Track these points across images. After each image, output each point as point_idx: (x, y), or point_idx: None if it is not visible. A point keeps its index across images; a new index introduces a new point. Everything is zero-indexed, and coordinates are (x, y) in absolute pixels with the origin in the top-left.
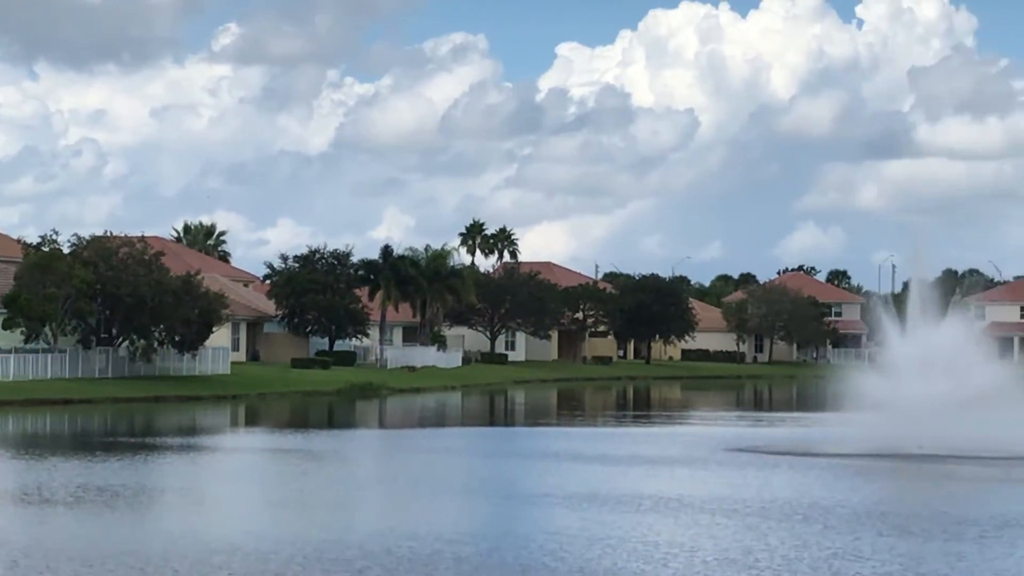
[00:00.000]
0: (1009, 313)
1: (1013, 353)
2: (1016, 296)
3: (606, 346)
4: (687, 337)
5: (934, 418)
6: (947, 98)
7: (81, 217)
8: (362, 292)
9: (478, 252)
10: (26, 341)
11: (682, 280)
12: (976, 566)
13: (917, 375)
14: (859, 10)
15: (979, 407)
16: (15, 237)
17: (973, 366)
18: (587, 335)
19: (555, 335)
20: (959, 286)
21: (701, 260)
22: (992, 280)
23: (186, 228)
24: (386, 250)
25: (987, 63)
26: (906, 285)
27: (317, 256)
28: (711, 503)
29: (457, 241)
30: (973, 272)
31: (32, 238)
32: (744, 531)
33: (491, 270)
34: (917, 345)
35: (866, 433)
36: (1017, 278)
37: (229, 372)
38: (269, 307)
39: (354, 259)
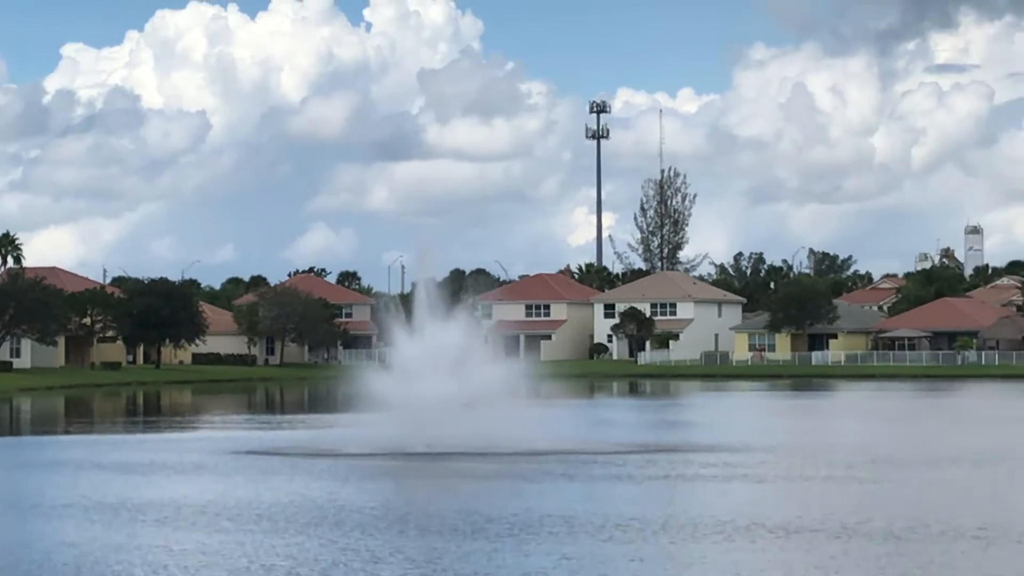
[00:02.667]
0: (515, 312)
1: (519, 351)
2: (521, 295)
3: (115, 351)
4: (197, 341)
5: (441, 416)
6: (456, 100)
7: None
8: None
9: None
10: None
11: (192, 283)
12: (509, 562)
13: (425, 375)
14: (367, 13)
15: (484, 404)
16: None
17: (478, 365)
18: (95, 341)
19: (62, 341)
20: (466, 286)
21: (212, 263)
22: (498, 279)
23: None
24: None
25: (494, 66)
26: (415, 286)
27: None
28: (237, 509)
29: None
30: (480, 272)
31: None
32: (275, 536)
33: None
34: (424, 345)
35: (377, 433)
36: (523, 277)
37: None
38: None
39: None
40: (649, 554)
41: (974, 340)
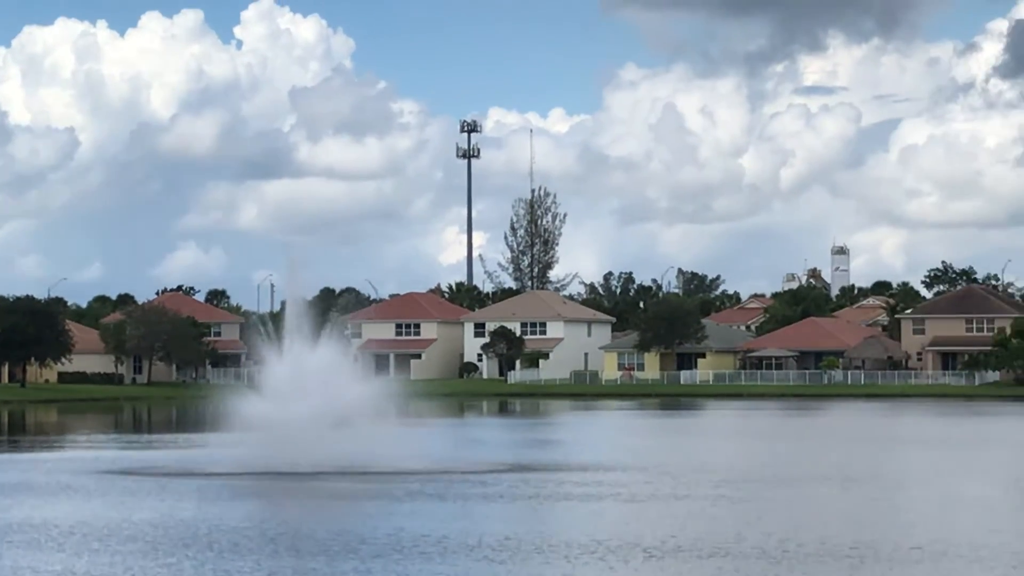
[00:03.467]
0: (384, 331)
1: (389, 369)
2: (391, 314)
3: None
4: (64, 359)
5: (311, 436)
6: (327, 119)
7: None
8: None
9: None
10: None
11: (59, 301)
12: None
13: (294, 394)
14: (238, 31)
15: (355, 424)
16: None
17: (348, 384)
18: None
19: None
20: (336, 305)
21: (79, 281)
22: (369, 298)
23: None
24: None
25: (366, 84)
26: (285, 304)
27: None
28: (107, 530)
29: None
30: (350, 290)
31: None
32: (145, 558)
33: None
34: (294, 364)
35: (246, 453)
36: (393, 296)
37: None
38: None
39: None
40: (523, 575)
41: (840, 359)
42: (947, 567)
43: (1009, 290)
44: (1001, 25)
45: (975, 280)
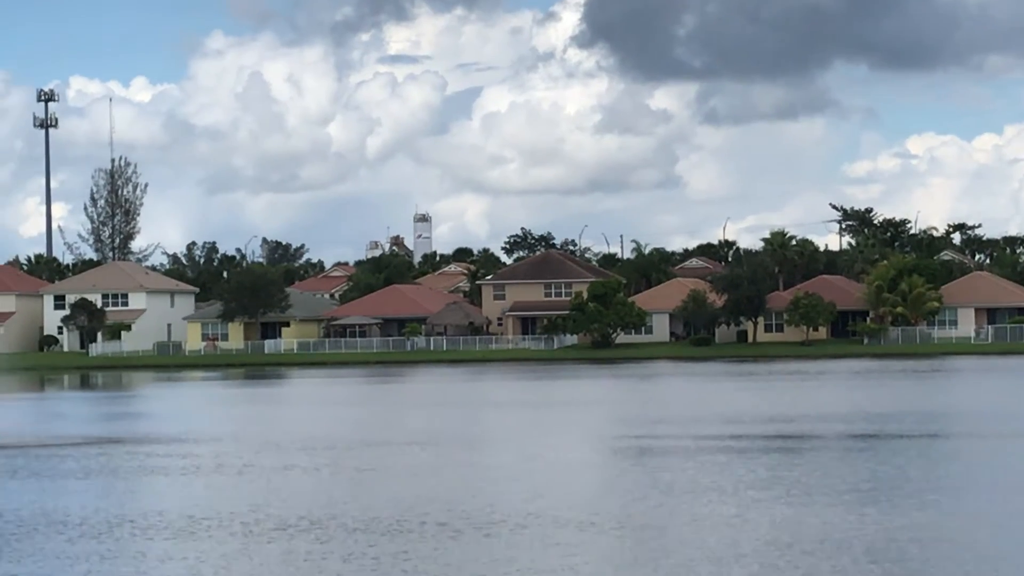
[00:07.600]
0: None
1: None
2: None
3: None
4: None
5: None
6: None
7: None
8: None
9: None
10: None
11: None
12: None
13: None
14: None
15: None
16: None
17: None
18: None
19: None
20: None
21: None
22: None
23: None
24: None
25: None
26: None
27: None
28: None
29: None
30: None
31: None
32: None
33: None
34: None
35: None
36: None
37: None
38: None
39: None
40: (123, 552)
41: (422, 326)
42: (556, 533)
43: (586, 255)
44: None
45: (553, 245)
